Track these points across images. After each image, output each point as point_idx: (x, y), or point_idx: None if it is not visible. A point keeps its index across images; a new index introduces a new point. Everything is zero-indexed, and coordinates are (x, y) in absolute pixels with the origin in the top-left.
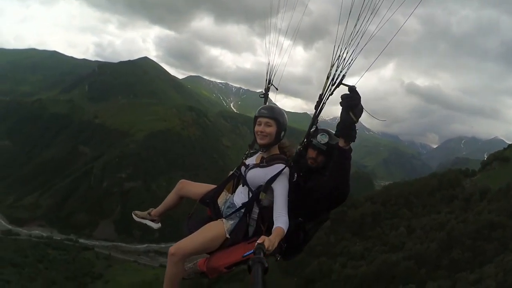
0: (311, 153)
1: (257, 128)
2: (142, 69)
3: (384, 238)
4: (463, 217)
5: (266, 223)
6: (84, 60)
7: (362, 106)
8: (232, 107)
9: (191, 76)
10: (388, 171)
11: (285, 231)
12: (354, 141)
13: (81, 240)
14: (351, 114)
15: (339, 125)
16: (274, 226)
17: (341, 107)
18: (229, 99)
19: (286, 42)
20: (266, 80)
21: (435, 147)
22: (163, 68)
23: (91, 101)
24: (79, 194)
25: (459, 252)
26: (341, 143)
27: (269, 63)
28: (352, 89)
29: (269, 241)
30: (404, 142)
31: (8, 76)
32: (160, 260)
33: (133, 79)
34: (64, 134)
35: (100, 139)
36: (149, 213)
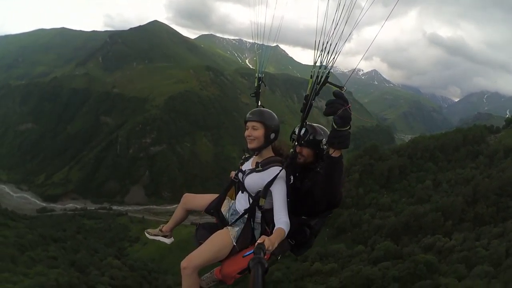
0: (297, 149)
1: (245, 133)
2: (154, 33)
3: (410, 190)
4: (487, 173)
5: (270, 224)
6: (93, 32)
7: (344, 112)
8: (248, 63)
9: (203, 35)
10: (408, 124)
11: (286, 232)
12: (343, 148)
13: (114, 207)
14: (332, 121)
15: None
16: (275, 228)
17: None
18: (244, 56)
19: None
20: (256, 78)
21: (456, 100)
22: (175, 30)
23: (106, 71)
24: (107, 164)
25: (483, 206)
26: (330, 150)
27: (257, 61)
28: (336, 93)
29: (269, 241)
30: (425, 95)
31: (20, 61)
32: (190, 219)
33: (145, 44)
34: (84, 107)
35: (121, 108)
36: (160, 230)
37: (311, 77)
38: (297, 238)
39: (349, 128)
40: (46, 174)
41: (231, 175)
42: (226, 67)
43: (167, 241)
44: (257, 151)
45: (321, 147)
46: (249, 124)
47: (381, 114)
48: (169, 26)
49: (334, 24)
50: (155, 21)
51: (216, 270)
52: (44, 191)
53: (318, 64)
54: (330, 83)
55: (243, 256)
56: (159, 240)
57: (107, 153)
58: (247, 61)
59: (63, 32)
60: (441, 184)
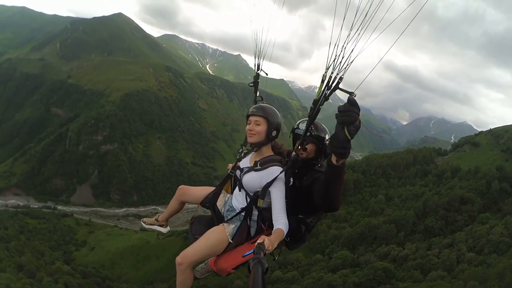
0: (298, 143)
1: (247, 126)
2: (117, 26)
3: (364, 204)
4: (436, 190)
5: (267, 222)
6: (55, 16)
7: (360, 122)
8: (208, 69)
9: (167, 34)
10: (358, 143)
11: (285, 233)
12: (346, 158)
13: (59, 207)
14: (345, 131)
15: (331, 139)
16: (274, 228)
17: (336, 120)
18: (205, 61)
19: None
20: (255, 65)
21: (405, 123)
22: (139, 25)
23: (63, 59)
24: (55, 159)
25: (433, 220)
26: (332, 159)
27: (257, 46)
28: (351, 100)
29: (269, 241)
30: (376, 116)
31: None
32: (139, 224)
33: (107, 36)
34: (36, 95)
35: (74, 100)
36: (156, 219)
37: (322, 81)
38: (293, 235)
39: None
40: None
41: (228, 168)
42: (187, 70)
43: (163, 230)
44: (256, 146)
45: (324, 143)
46: (252, 118)
47: (332, 131)
48: (133, 21)
49: (351, 28)
50: (120, 13)
51: (210, 262)
52: None
53: (330, 69)
54: (341, 89)
55: (243, 256)
56: (155, 229)
57: (55, 147)
58: (207, 66)
59: (23, 12)
60: (393, 198)
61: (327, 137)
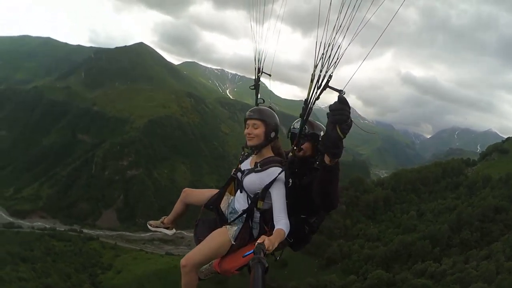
0: (294, 143)
1: (245, 130)
2: (139, 55)
3: (396, 221)
4: (468, 202)
5: (269, 224)
6: (78, 46)
7: (351, 120)
8: (228, 94)
9: (186, 62)
10: (382, 159)
11: (286, 233)
12: (339, 158)
13: (85, 230)
14: (338, 129)
15: (323, 139)
16: (275, 228)
17: (327, 119)
18: (225, 86)
19: (281, 29)
20: (256, 68)
21: (428, 137)
22: (159, 54)
23: (88, 87)
24: (81, 183)
25: (468, 232)
26: (326, 159)
27: (257, 50)
28: (341, 98)
29: (269, 241)
30: (398, 131)
31: (2, 64)
32: (165, 248)
33: (129, 65)
34: (62, 121)
35: (100, 126)
36: (162, 222)
37: (311, 81)
38: (296, 236)
39: None
40: (15, 187)
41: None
42: (207, 95)
43: (169, 232)
44: (256, 149)
45: (320, 140)
46: (249, 122)
47: (356, 149)
48: (154, 50)
49: (337, 27)
50: (141, 43)
51: (215, 263)
52: (12, 205)
53: (318, 67)
54: (331, 88)
55: (243, 256)
56: (161, 231)
57: (81, 172)
58: (227, 91)
59: (48, 42)
60: (425, 214)
61: (322, 134)
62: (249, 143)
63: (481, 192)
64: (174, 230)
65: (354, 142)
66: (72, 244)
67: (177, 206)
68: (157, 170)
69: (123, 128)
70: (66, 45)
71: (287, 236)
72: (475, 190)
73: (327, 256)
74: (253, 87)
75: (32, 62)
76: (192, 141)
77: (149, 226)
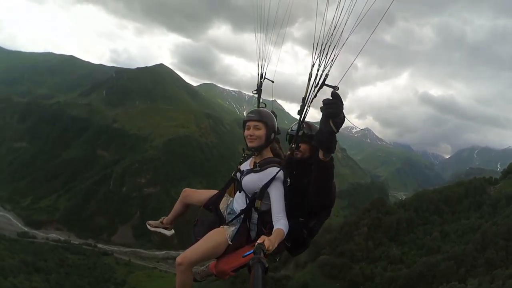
0: (292, 143)
1: (246, 132)
2: (159, 75)
3: (419, 242)
4: (492, 221)
5: (267, 225)
6: (100, 65)
7: (344, 115)
8: (245, 115)
9: (205, 83)
10: (401, 181)
11: (285, 233)
12: (333, 152)
13: (100, 245)
14: (331, 123)
15: (317, 134)
16: (274, 228)
17: (321, 114)
18: (242, 107)
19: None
20: (258, 74)
21: (447, 157)
22: (178, 75)
23: (108, 105)
24: (98, 198)
25: (493, 251)
26: (320, 155)
27: (260, 56)
28: (335, 94)
29: (269, 241)
30: (416, 152)
31: (26, 78)
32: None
33: (149, 85)
34: (82, 137)
35: (119, 143)
36: (161, 222)
37: (308, 79)
38: (295, 239)
39: None
40: (33, 198)
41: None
42: (225, 116)
43: (168, 233)
44: (257, 150)
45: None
46: (250, 123)
47: (374, 171)
48: (173, 71)
49: (333, 25)
50: (161, 64)
51: (211, 265)
52: (28, 215)
53: (316, 65)
54: (327, 85)
55: (243, 256)
56: (160, 232)
57: (99, 187)
58: (245, 113)
59: (71, 60)
60: (448, 234)
61: None
62: (251, 144)
63: (504, 210)
64: (172, 231)
65: (373, 164)
66: (86, 258)
67: (177, 206)
68: (174, 188)
69: (142, 146)
70: (88, 63)
71: (285, 239)
72: (498, 209)
73: (349, 279)
74: (255, 92)
75: (55, 78)
76: (210, 161)
77: (148, 226)
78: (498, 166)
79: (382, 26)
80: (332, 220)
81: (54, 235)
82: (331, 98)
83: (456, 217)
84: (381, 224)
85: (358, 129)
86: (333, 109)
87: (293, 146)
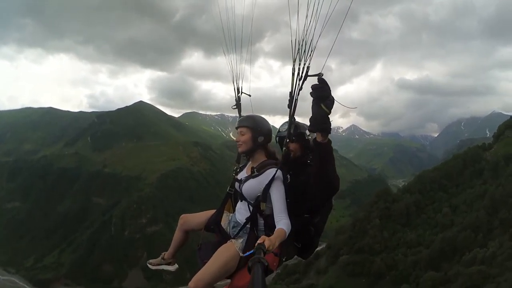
0: (286, 139)
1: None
2: (140, 113)
3: (431, 221)
4: (496, 183)
5: (273, 230)
6: (80, 112)
7: (332, 96)
8: (232, 136)
9: (186, 113)
10: (397, 169)
11: (287, 233)
12: (330, 133)
13: None
14: (322, 106)
15: (311, 121)
16: (275, 228)
17: (311, 100)
18: (227, 130)
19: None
20: (235, 89)
21: (436, 135)
22: (159, 109)
23: (96, 151)
24: (102, 246)
25: (505, 212)
26: (318, 137)
27: (234, 72)
28: (321, 79)
29: (269, 241)
30: (405, 138)
31: (8, 137)
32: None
33: (133, 123)
34: (75, 187)
35: (113, 187)
36: (162, 258)
37: (292, 74)
38: (303, 238)
39: None
40: (35, 257)
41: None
42: (213, 142)
43: (171, 268)
44: (246, 154)
45: (306, 138)
46: (237, 130)
47: (369, 165)
48: (154, 106)
49: (308, 23)
50: (141, 101)
51: None
52: (33, 275)
53: (297, 60)
54: (311, 75)
55: (244, 255)
56: (163, 269)
57: (100, 234)
58: (231, 134)
59: (50, 112)
60: (458, 207)
61: (307, 132)
62: (239, 150)
63: (505, 170)
64: (176, 266)
65: (366, 158)
66: None
67: (177, 236)
68: (176, 222)
69: (136, 185)
70: (68, 112)
71: (294, 241)
72: (499, 171)
73: (373, 272)
74: (235, 107)
75: (37, 132)
76: (207, 189)
77: (149, 266)
78: (487, 132)
79: (347, 24)
80: (340, 222)
81: None
82: (318, 83)
83: (461, 189)
84: (391, 213)
85: (345, 128)
86: (322, 91)
87: (287, 141)
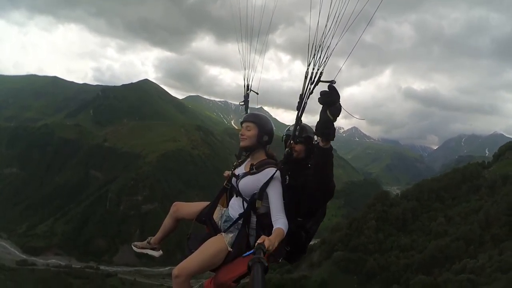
0: (290, 140)
1: (240, 132)
2: (145, 91)
3: (426, 229)
4: (492, 200)
5: (266, 230)
6: (85, 84)
7: (340, 104)
8: (233, 124)
9: (190, 96)
10: (393, 176)
11: (285, 232)
12: (332, 139)
13: (102, 267)
14: (328, 112)
15: (317, 124)
16: (273, 228)
17: (320, 105)
18: (229, 117)
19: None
20: (245, 86)
21: (435, 148)
22: (164, 90)
23: (97, 125)
24: (95, 220)
25: (497, 227)
26: (320, 142)
27: (245, 69)
28: (331, 86)
29: (269, 241)
30: (405, 146)
31: (10, 102)
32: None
33: (136, 101)
34: (74, 159)
35: (112, 162)
36: (148, 242)
37: (305, 77)
38: (293, 242)
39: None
40: (28, 224)
41: (224, 174)
42: (215, 127)
43: (156, 253)
44: (247, 150)
45: (313, 142)
46: (244, 124)
47: (366, 168)
48: (159, 86)
49: (327, 26)
50: (146, 79)
51: (205, 283)
52: (25, 242)
53: (311, 65)
54: (323, 81)
55: (243, 256)
56: (147, 253)
57: (95, 208)
58: (232, 122)
59: (55, 81)
60: (452, 218)
61: (315, 138)
62: (241, 144)
63: (502, 189)
64: (161, 252)
65: (363, 161)
66: (90, 282)
67: (167, 222)
68: (172, 203)
69: (136, 163)
70: (72, 83)
71: (284, 244)
72: (496, 189)
73: (365, 271)
74: (242, 103)
75: (40, 100)
76: (205, 174)
77: (134, 248)
78: (487, 151)
79: (362, 26)
80: (331, 221)
81: (54, 260)
82: (327, 89)
83: (457, 201)
84: (387, 216)
85: (346, 129)
86: (329, 97)
87: (291, 142)
